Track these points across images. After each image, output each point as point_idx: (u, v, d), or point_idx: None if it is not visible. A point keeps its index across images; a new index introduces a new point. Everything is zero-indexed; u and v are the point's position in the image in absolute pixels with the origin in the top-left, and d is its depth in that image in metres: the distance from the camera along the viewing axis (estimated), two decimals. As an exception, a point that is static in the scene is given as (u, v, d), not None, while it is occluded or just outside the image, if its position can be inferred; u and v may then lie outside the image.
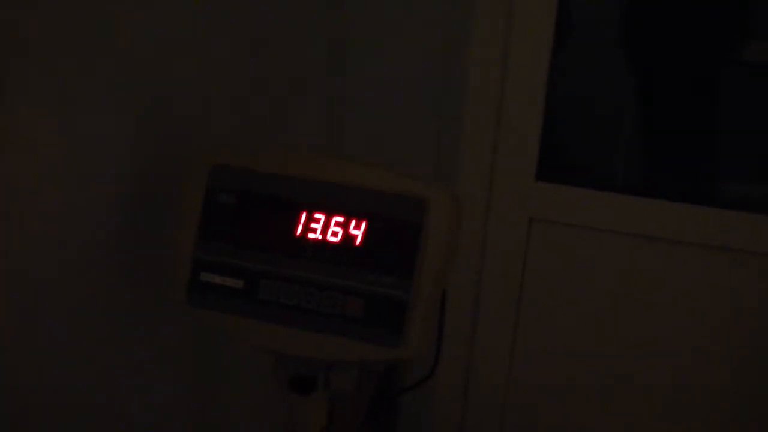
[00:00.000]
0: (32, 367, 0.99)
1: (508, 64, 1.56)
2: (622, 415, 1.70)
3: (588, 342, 1.68)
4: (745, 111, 2.00)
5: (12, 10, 0.86)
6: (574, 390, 1.71)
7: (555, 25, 1.53)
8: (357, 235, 0.93)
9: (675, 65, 1.94)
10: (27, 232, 0.94)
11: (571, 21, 1.73)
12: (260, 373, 1.09)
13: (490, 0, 1.54)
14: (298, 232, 0.95)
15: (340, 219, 0.94)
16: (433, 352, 1.07)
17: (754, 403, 1.62)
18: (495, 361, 1.73)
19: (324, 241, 0.94)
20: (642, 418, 1.69)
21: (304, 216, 0.95)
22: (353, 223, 0.94)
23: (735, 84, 1.98)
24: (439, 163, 1.62)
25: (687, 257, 1.59)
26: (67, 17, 0.93)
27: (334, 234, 0.94)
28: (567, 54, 1.71)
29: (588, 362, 1.69)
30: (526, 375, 1.73)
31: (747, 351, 1.60)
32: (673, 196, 1.59)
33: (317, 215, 0.95)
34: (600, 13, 2.02)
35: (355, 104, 1.62)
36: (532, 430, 1.76)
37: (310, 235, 0.95)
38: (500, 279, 1.68)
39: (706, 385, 1.64)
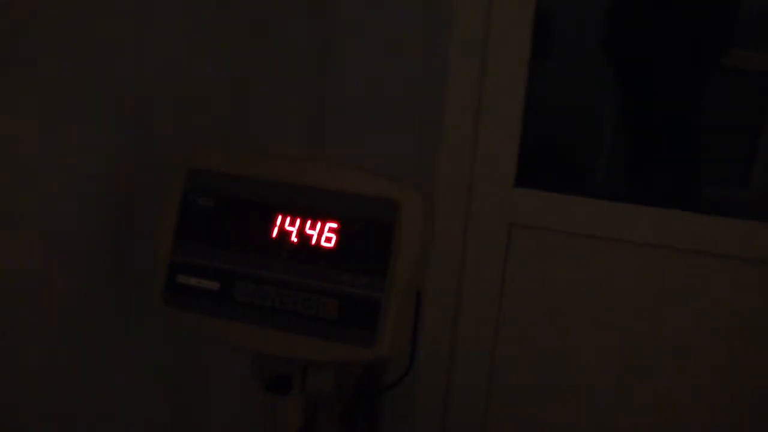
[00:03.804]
0: (13, 368, 0.99)
1: (486, 72, 1.57)
2: (600, 417, 1.71)
3: (567, 345, 1.69)
4: (727, 117, 2.02)
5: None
6: (554, 391, 1.73)
7: (533, 32, 1.55)
8: (331, 237, 0.95)
9: (658, 69, 1.96)
10: (9, 236, 0.94)
11: (550, 27, 1.76)
12: (239, 375, 1.10)
13: (469, 7, 1.55)
14: (274, 234, 0.96)
15: (315, 221, 0.96)
16: (409, 352, 1.09)
17: (735, 411, 1.63)
18: (476, 364, 1.74)
19: (299, 243, 0.96)
20: (622, 420, 1.70)
21: (279, 218, 0.97)
22: (327, 225, 0.95)
23: (717, 90, 2.00)
24: (419, 169, 1.63)
25: (667, 262, 1.60)
26: (51, 23, 0.93)
27: (309, 236, 0.96)
28: (547, 60, 1.73)
29: (568, 365, 1.71)
30: (506, 378, 1.74)
31: (729, 355, 1.61)
32: (653, 201, 1.60)
33: (292, 218, 0.96)
34: (581, 19, 2.04)
35: (335, 108, 1.63)
36: (513, 433, 1.77)
37: (286, 238, 0.96)
38: (480, 284, 1.69)
39: (688, 387, 1.65)
